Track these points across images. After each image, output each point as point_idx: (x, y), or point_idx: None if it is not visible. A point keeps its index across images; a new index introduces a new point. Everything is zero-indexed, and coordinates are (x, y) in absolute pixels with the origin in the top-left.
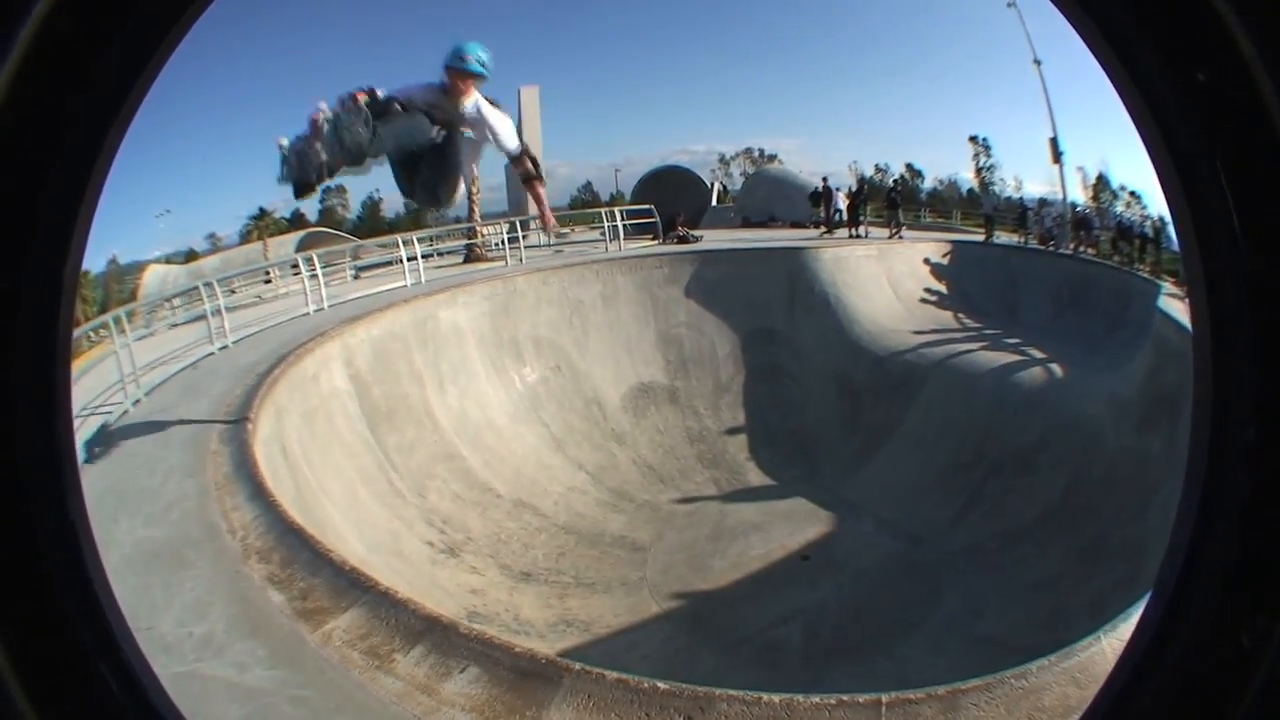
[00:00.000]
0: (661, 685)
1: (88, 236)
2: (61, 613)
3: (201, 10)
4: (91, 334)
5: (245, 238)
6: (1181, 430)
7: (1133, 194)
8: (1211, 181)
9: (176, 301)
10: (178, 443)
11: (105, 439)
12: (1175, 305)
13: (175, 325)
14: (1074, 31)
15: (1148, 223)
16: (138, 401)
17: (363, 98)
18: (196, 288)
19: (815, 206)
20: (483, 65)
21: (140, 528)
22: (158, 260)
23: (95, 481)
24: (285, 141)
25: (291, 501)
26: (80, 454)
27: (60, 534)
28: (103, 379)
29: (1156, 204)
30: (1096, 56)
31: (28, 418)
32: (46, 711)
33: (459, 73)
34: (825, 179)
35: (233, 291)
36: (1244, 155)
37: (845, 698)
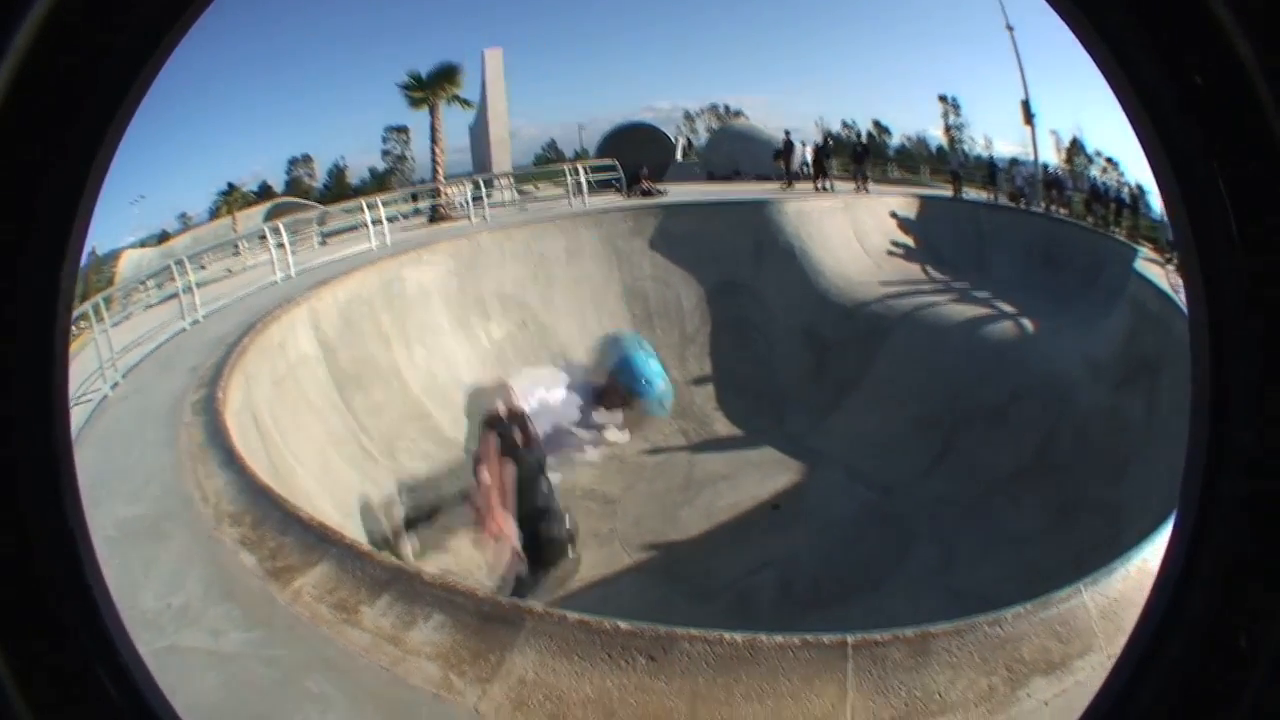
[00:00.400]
0: (623, 625)
1: (85, 240)
2: (60, 617)
3: (199, 12)
4: (73, 327)
5: (215, 214)
6: (1163, 394)
7: (1109, 160)
8: (1209, 183)
9: (150, 283)
10: (153, 419)
11: (87, 425)
12: (1155, 270)
13: (150, 306)
14: (1072, 35)
15: (1125, 189)
16: (116, 385)
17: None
18: (168, 267)
19: (777, 160)
20: (660, 400)
21: (121, 507)
22: (133, 246)
23: (79, 468)
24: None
25: (264, 469)
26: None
27: (58, 538)
28: (84, 368)
29: (1134, 171)
30: (1094, 59)
31: (25, 422)
32: (44, 715)
33: (627, 391)
34: (788, 132)
35: (203, 267)
36: (1241, 157)
37: (810, 638)
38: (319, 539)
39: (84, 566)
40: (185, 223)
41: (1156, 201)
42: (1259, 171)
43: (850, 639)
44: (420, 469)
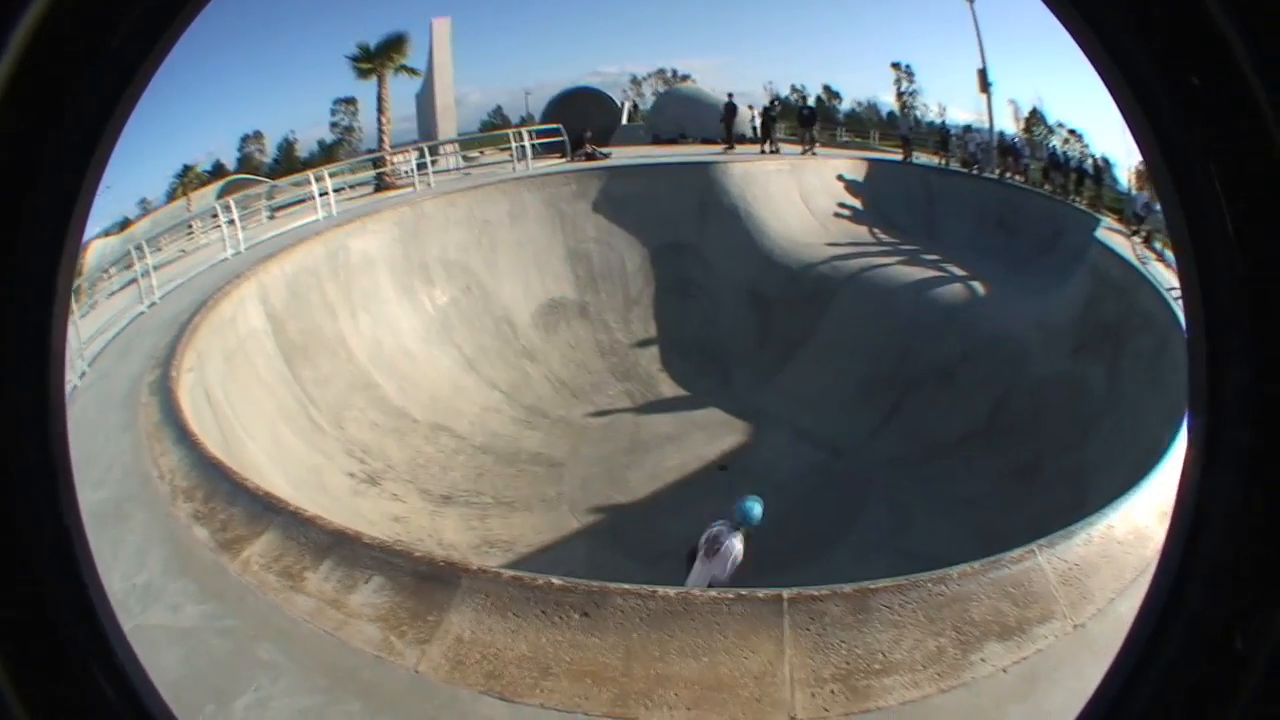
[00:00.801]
0: (556, 581)
1: (81, 240)
2: (56, 617)
3: (195, 13)
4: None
5: (172, 196)
6: (1125, 361)
7: (1072, 131)
8: (1206, 184)
9: (113, 270)
10: (115, 402)
11: None
12: (1118, 240)
13: (113, 293)
14: (1069, 34)
15: (1089, 160)
16: (84, 374)
17: None
18: (129, 253)
19: (722, 123)
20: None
21: (89, 492)
22: (100, 236)
23: None
24: None
25: (217, 444)
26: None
27: (55, 538)
28: None
29: (1099, 144)
30: (1091, 59)
31: (22, 421)
32: (39, 712)
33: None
34: (730, 95)
35: (160, 250)
36: (1238, 157)
37: (744, 593)
38: (265, 508)
39: (80, 565)
40: (145, 208)
41: (1123, 174)
42: (1256, 172)
43: (786, 594)
44: (369, 439)
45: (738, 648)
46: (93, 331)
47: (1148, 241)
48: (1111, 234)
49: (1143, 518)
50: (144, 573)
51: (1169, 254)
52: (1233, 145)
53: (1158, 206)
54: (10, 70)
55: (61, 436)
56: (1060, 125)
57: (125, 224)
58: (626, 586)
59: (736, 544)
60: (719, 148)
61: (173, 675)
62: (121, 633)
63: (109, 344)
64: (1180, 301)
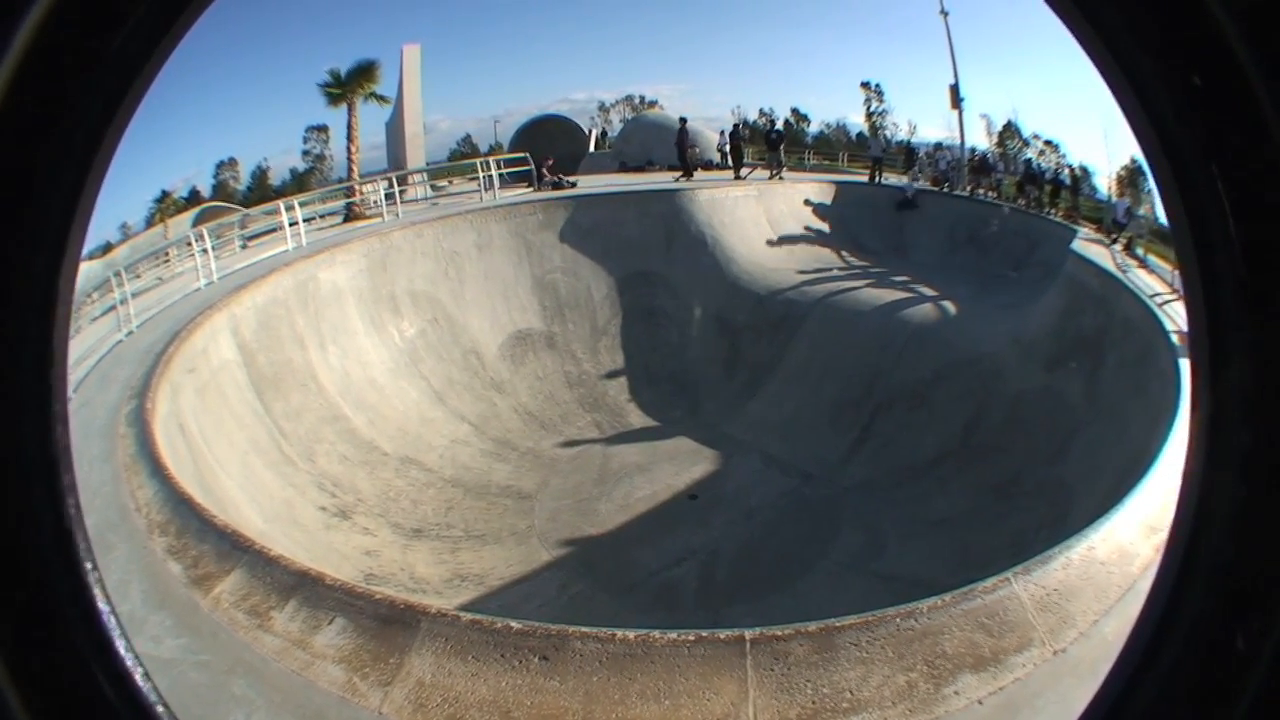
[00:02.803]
0: (515, 625)
1: (83, 245)
2: (57, 617)
3: (195, 17)
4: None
5: (151, 222)
6: (1106, 373)
7: (1048, 143)
8: (1208, 185)
9: (95, 295)
10: (96, 432)
11: None
12: (1096, 250)
13: (95, 319)
14: (1075, 40)
15: (1065, 170)
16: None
17: None
18: (108, 279)
19: (679, 146)
20: None
21: None
22: (83, 260)
23: None
24: None
25: (190, 478)
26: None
27: (56, 539)
28: None
29: (1075, 153)
30: (1093, 60)
31: (25, 422)
32: (39, 713)
33: None
34: (683, 119)
35: (138, 276)
36: (1240, 161)
37: (705, 634)
38: (232, 545)
39: (82, 568)
40: (125, 232)
41: (1102, 182)
42: (1258, 173)
43: (748, 634)
44: (339, 472)
45: (700, 690)
46: (76, 357)
47: (1128, 248)
48: (1089, 244)
49: (1126, 535)
50: (127, 603)
51: (1151, 259)
52: (1234, 145)
53: (1140, 212)
54: (12, 72)
55: (64, 439)
56: (1036, 137)
57: (107, 248)
58: (585, 630)
59: None
60: (675, 174)
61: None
62: (123, 633)
63: (91, 371)
64: (1163, 307)
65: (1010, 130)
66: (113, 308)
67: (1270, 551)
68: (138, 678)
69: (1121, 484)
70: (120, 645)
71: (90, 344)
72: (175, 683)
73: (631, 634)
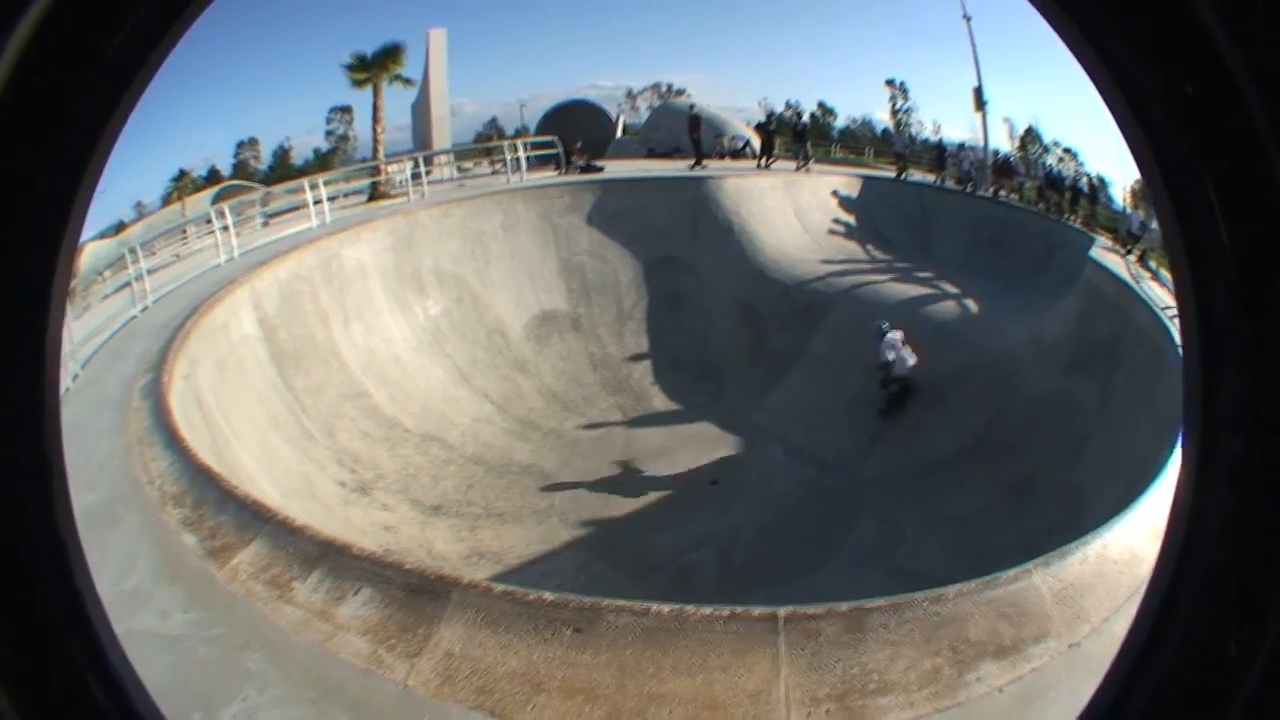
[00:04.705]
0: (549, 597)
1: (76, 247)
2: (49, 625)
3: (195, 16)
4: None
5: (167, 201)
6: (1119, 379)
7: (1067, 150)
8: (1199, 188)
9: (107, 273)
10: (107, 405)
11: None
12: (1112, 259)
13: (107, 296)
14: (1065, 46)
15: (1084, 179)
16: (75, 376)
17: None
18: (123, 256)
19: (691, 133)
20: None
21: (80, 495)
22: (94, 239)
23: None
24: None
25: (206, 451)
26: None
27: (49, 546)
28: None
29: (1093, 163)
30: (1083, 65)
31: (17, 426)
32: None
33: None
34: (693, 106)
35: (154, 254)
36: (1230, 163)
37: (740, 610)
38: (253, 516)
39: (74, 572)
40: (140, 211)
41: (1118, 193)
42: (1248, 177)
43: (781, 612)
44: (359, 448)
45: (733, 666)
46: (86, 334)
47: (1142, 260)
48: (1106, 253)
49: (1136, 537)
50: (132, 577)
51: (1164, 273)
52: (1226, 152)
53: (1153, 225)
54: (8, 72)
55: (56, 441)
56: (1056, 144)
57: (120, 227)
58: (620, 603)
59: None
60: (720, 162)
61: (160, 682)
62: (115, 638)
63: (102, 347)
64: (1173, 320)
65: (1031, 135)
66: (126, 284)
67: (1263, 558)
68: (131, 687)
69: (1130, 491)
70: (114, 655)
71: (101, 321)
72: (181, 659)
73: (666, 608)
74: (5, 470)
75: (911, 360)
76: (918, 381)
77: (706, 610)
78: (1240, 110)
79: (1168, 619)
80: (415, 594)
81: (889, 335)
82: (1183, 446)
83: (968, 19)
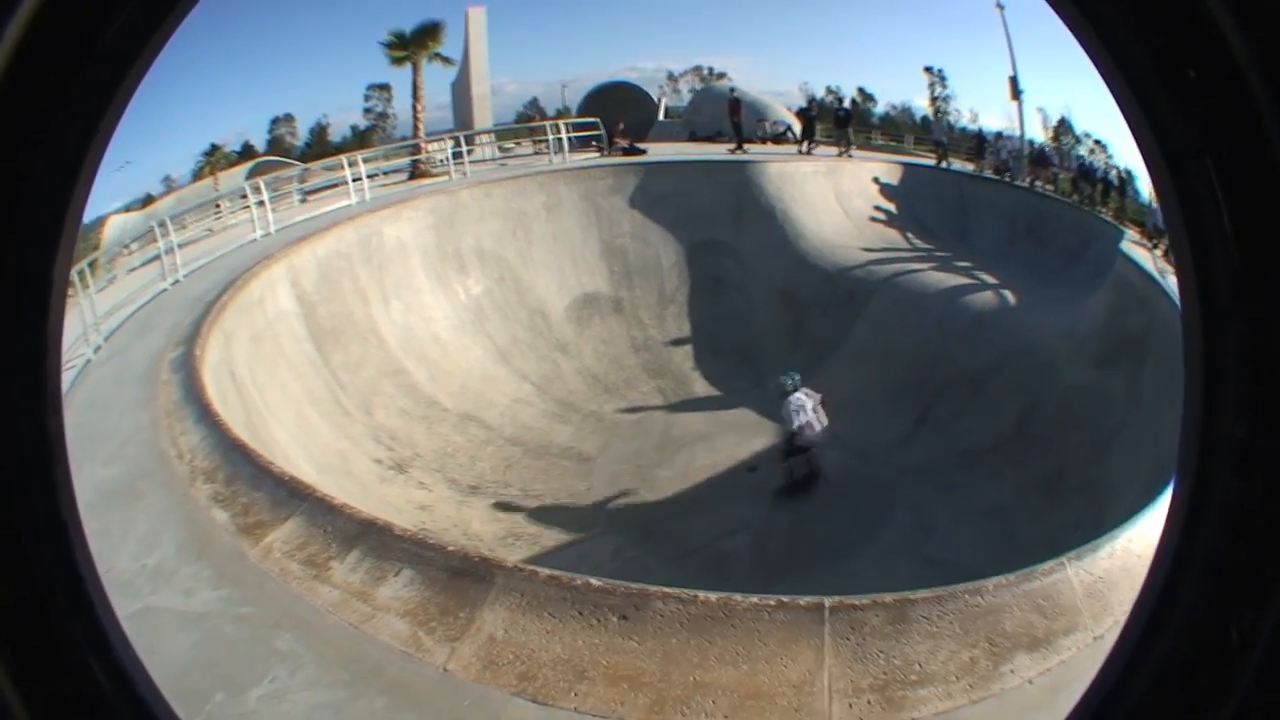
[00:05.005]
0: (595, 583)
1: (76, 235)
2: (52, 609)
3: (189, 8)
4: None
5: (198, 175)
6: (1147, 374)
7: (1097, 142)
8: (1202, 179)
9: (134, 246)
10: (133, 378)
11: (69, 391)
12: (1141, 253)
13: (133, 269)
14: (1067, 30)
15: (1113, 171)
16: (98, 349)
17: None
18: (151, 229)
19: (731, 117)
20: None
21: (100, 468)
22: (118, 211)
23: None
24: None
25: (240, 425)
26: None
27: (51, 531)
28: (67, 335)
29: (1122, 155)
30: (1088, 52)
31: (18, 414)
32: (36, 706)
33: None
34: (733, 90)
35: (185, 228)
36: (1234, 153)
37: (786, 599)
38: (290, 494)
39: (76, 558)
40: (169, 185)
41: (1145, 187)
42: (1251, 166)
43: (828, 602)
44: (397, 426)
45: (778, 656)
46: (110, 306)
47: (1167, 255)
48: (1135, 247)
49: (1159, 532)
50: (156, 553)
51: None
52: (1229, 138)
53: None
54: (6, 61)
55: (58, 430)
56: (1087, 135)
57: (148, 200)
58: (667, 590)
59: None
60: (760, 146)
61: (181, 661)
62: (119, 626)
63: (127, 319)
64: None
65: (1064, 126)
66: (156, 257)
67: (1264, 545)
68: (135, 671)
69: (1152, 487)
70: (117, 639)
71: (127, 294)
72: (206, 638)
73: (714, 596)
74: (7, 461)
75: (821, 425)
76: (823, 461)
77: (754, 599)
78: (1244, 94)
79: (1169, 603)
80: (458, 576)
81: (794, 395)
82: (1184, 433)
83: (1001, 7)
